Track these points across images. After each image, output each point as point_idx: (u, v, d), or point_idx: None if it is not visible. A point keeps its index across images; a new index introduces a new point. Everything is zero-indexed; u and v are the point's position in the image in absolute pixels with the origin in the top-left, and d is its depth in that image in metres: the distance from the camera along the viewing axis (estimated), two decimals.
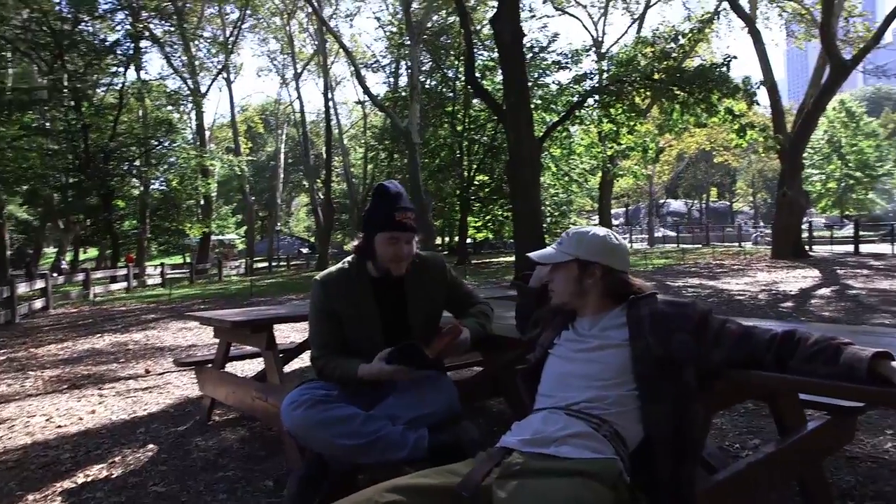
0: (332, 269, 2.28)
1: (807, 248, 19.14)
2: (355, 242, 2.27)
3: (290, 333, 7.57)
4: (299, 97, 35.21)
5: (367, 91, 25.83)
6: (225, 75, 32.78)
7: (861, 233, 21.44)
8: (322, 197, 33.18)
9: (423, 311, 2.28)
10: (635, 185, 41.19)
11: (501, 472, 1.43)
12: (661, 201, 56.60)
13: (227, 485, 2.78)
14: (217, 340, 3.77)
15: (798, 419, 2.05)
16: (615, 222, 45.89)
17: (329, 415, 1.93)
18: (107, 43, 23.31)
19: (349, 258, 2.29)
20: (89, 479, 2.97)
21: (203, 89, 30.24)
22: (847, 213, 41.82)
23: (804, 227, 20.00)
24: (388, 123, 30.18)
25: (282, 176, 43.90)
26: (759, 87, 14.40)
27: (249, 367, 5.30)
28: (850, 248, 20.41)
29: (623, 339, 1.59)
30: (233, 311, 3.99)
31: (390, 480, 1.43)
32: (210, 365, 3.81)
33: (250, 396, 3.09)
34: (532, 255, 1.81)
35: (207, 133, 33.92)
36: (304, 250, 45.69)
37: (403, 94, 27.12)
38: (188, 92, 28.36)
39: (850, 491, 2.41)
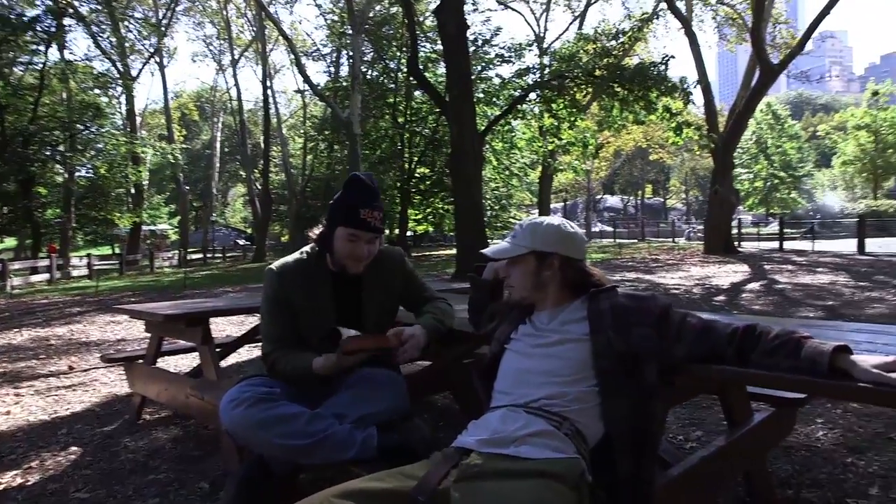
0: (289, 258, 2.14)
1: (736, 244, 19.92)
2: (317, 230, 2.14)
3: (226, 327, 7.31)
4: (237, 85, 34.36)
5: (307, 80, 25.35)
6: (157, 59, 31.59)
7: (785, 230, 22.45)
8: (260, 187, 32.43)
9: (378, 307, 2.17)
10: (574, 181, 41.96)
11: (459, 474, 1.36)
12: (599, 197, 57.92)
13: (159, 488, 2.61)
14: (148, 335, 3.56)
15: (746, 412, 2.06)
16: (558, 215, 46.64)
17: (272, 413, 1.81)
18: (25, 18, 21.90)
19: (308, 247, 2.16)
20: (0, 487, 2.74)
21: (134, 73, 28.99)
22: (772, 211, 43.82)
23: (734, 223, 20.77)
24: (328, 114, 29.73)
25: (218, 165, 42.68)
26: (695, 87, 14.84)
27: (183, 363, 5.07)
28: (776, 244, 21.35)
29: (583, 334, 1.54)
30: (166, 303, 3.78)
31: (340, 485, 1.33)
32: (141, 361, 3.59)
33: (184, 393, 2.91)
34: (486, 251, 1.72)
35: (139, 119, 32.58)
36: (241, 242, 44.62)
37: (345, 84, 26.74)
38: (117, 75, 27.09)
39: (788, 479, 2.46)
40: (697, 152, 25.27)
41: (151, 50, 29.78)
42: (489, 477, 1.32)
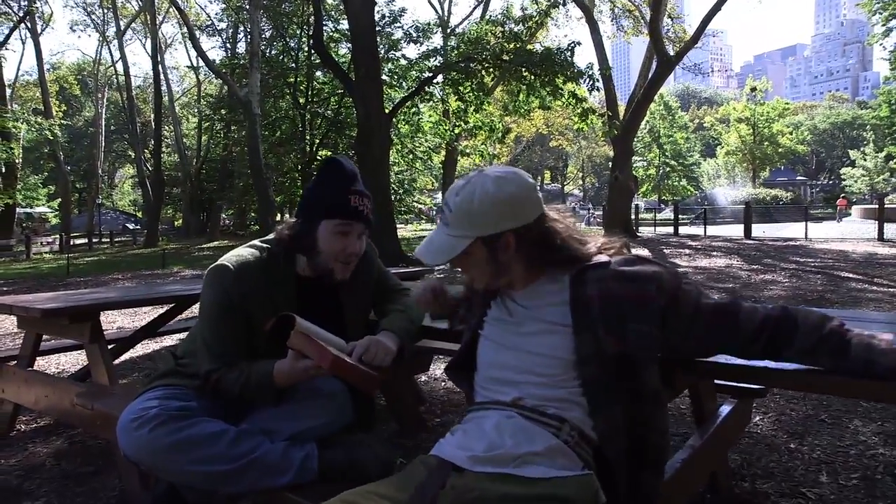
0: (244, 254, 1.69)
1: (634, 228, 20.73)
2: (283, 228, 1.73)
3: (116, 318, 6.66)
4: (123, 58, 31.76)
5: (202, 55, 23.92)
6: (29, 24, 28.76)
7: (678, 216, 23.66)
8: (151, 169, 30.41)
9: (362, 316, 1.83)
10: (475, 166, 42.29)
11: (454, 497, 1.12)
12: None
13: None
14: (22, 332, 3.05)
15: (714, 404, 1.94)
16: None
17: (187, 434, 1.47)
18: None
19: (266, 245, 1.73)
20: None
21: (0, 38, 26.26)
22: (664, 197, 46.16)
23: (632, 209, 21.59)
24: (224, 92, 28.34)
25: (103, 144, 39.68)
26: (600, 74, 15.16)
27: (67, 361, 4.50)
28: (671, 229, 22.44)
29: (564, 323, 1.24)
30: (44, 295, 3.24)
31: None
32: (13, 362, 3.07)
33: (69, 401, 2.47)
34: (422, 256, 1.33)
35: (9, 91, 29.61)
36: (131, 226, 41.92)
37: (242, 62, 25.48)
38: None
39: (739, 471, 2.38)
40: (601, 138, 26.10)
41: (20, 13, 27.02)
42: (491, 502, 1.09)
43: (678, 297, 1.23)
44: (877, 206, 17.57)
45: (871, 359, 1.11)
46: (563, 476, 1.13)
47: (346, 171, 1.70)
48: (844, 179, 50.90)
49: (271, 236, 1.76)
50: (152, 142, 31.31)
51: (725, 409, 1.93)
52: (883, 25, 30.47)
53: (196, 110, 36.55)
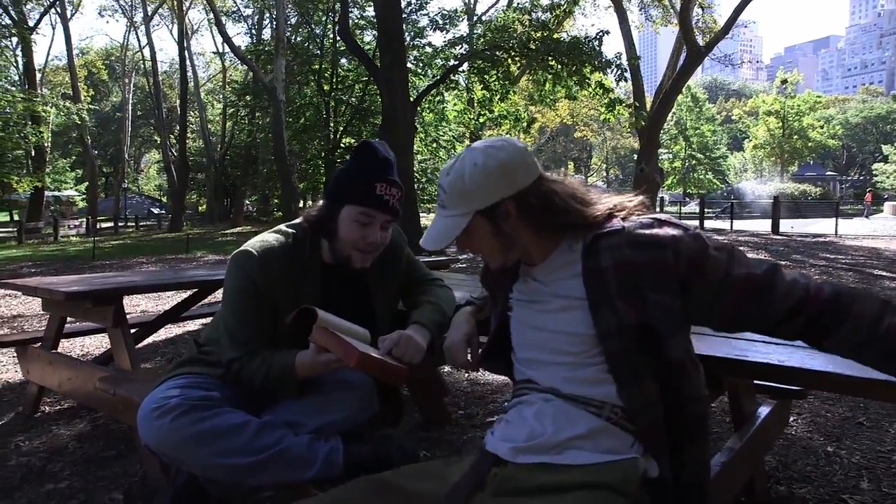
0: (269, 239, 1.63)
1: None
2: (311, 210, 1.67)
3: (140, 301, 6.70)
4: (150, 44, 32.03)
5: (228, 41, 23.99)
6: (58, 10, 29.08)
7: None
8: (176, 154, 30.71)
9: (390, 308, 1.75)
10: None
11: (496, 487, 1.09)
12: None
13: (59, 501, 2.17)
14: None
15: (753, 405, 1.85)
16: None
17: (210, 425, 1.42)
18: None
19: (292, 230, 1.67)
20: None
21: (31, 23, 26.53)
22: (689, 191, 45.53)
23: (657, 202, 21.32)
24: (249, 78, 28.42)
25: (129, 129, 40.11)
26: (628, 64, 14.93)
27: (92, 344, 4.52)
28: (696, 223, 22.09)
29: (580, 297, 1.16)
30: (69, 277, 3.23)
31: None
32: (38, 344, 3.08)
33: (92, 385, 2.46)
34: (425, 244, 1.26)
35: (39, 75, 29.98)
36: (156, 210, 42.44)
37: (268, 48, 25.51)
38: (10, 22, 24.67)
39: (775, 474, 2.30)
40: (627, 130, 25.77)
41: None
42: (529, 493, 1.05)
43: (703, 264, 1.10)
44: None
45: None
46: (607, 461, 1.08)
47: (379, 156, 1.61)
48: (876, 175, 49.73)
49: (297, 221, 1.70)
50: (178, 127, 31.57)
51: (764, 411, 1.84)
52: None
53: (221, 96, 36.73)
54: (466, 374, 3.67)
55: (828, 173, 55.05)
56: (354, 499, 1.11)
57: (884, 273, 8.46)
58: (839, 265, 9.49)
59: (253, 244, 1.61)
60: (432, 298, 1.77)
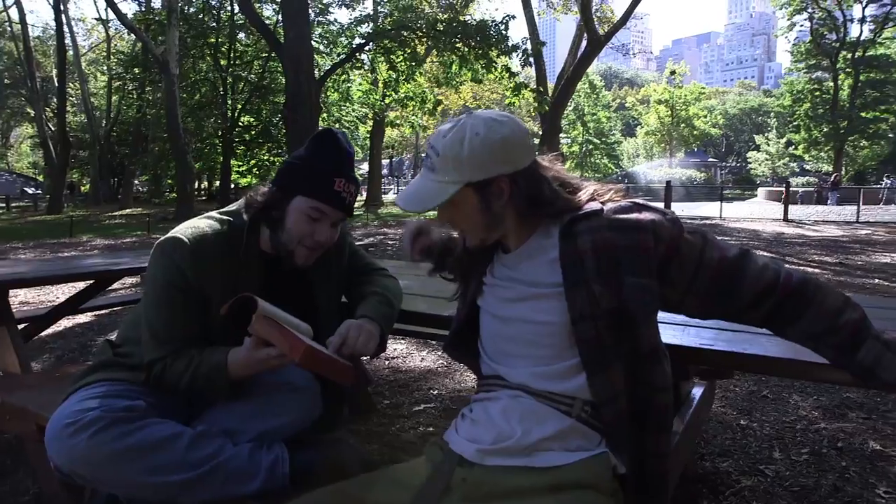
0: (201, 226, 1.46)
1: None
2: (256, 194, 1.50)
3: (19, 292, 6.12)
4: (18, 4, 29.21)
5: (112, 7, 22.21)
6: None
7: None
8: (54, 129, 28.33)
9: (335, 303, 1.63)
10: (400, 137, 41.91)
11: (465, 492, 1.05)
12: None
13: None
14: None
15: (688, 387, 1.90)
16: (384, 172, 46.78)
17: (137, 439, 1.25)
18: None
19: (227, 217, 1.51)
20: None
21: None
22: (586, 174, 47.27)
23: None
24: (138, 49, 26.58)
25: None
26: (533, 49, 15.18)
27: None
28: None
29: (556, 284, 1.11)
30: None
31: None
32: None
33: None
34: (403, 203, 1.18)
35: None
36: (30, 190, 39.11)
37: (158, 17, 23.93)
38: None
39: (699, 449, 2.40)
40: (529, 114, 26.29)
41: None
42: (500, 497, 1.02)
43: (679, 247, 1.10)
44: (782, 189, 18.64)
45: (875, 371, 1.06)
46: (577, 460, 1.06)
47: (341, 148, 1.49)
48: (750, 163, 53.77)
49: (232, 208, 1.55)
50: (55, 100, 29.12)
51: (698, 392, 1.90)
52: (788, 20, 32.28)
53: (105, 68, 34.18)
54: (387, 362, 3.60)
55: (710, 160, 58.84)
56: None
57: (765, 253, 9.13)
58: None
59: (183, 231, 1.44)
60: (378, 289, 1.63)
